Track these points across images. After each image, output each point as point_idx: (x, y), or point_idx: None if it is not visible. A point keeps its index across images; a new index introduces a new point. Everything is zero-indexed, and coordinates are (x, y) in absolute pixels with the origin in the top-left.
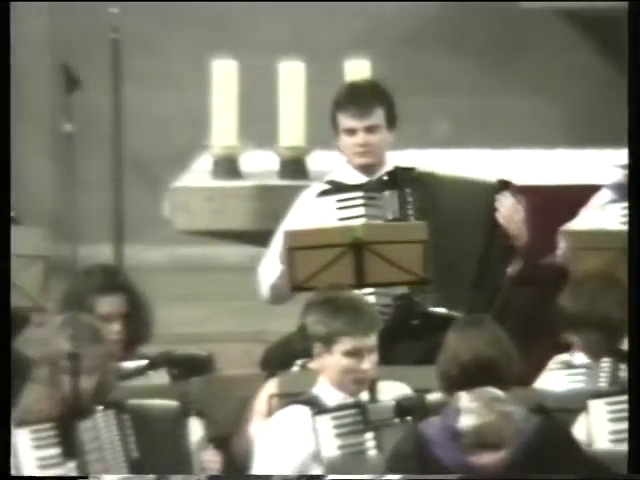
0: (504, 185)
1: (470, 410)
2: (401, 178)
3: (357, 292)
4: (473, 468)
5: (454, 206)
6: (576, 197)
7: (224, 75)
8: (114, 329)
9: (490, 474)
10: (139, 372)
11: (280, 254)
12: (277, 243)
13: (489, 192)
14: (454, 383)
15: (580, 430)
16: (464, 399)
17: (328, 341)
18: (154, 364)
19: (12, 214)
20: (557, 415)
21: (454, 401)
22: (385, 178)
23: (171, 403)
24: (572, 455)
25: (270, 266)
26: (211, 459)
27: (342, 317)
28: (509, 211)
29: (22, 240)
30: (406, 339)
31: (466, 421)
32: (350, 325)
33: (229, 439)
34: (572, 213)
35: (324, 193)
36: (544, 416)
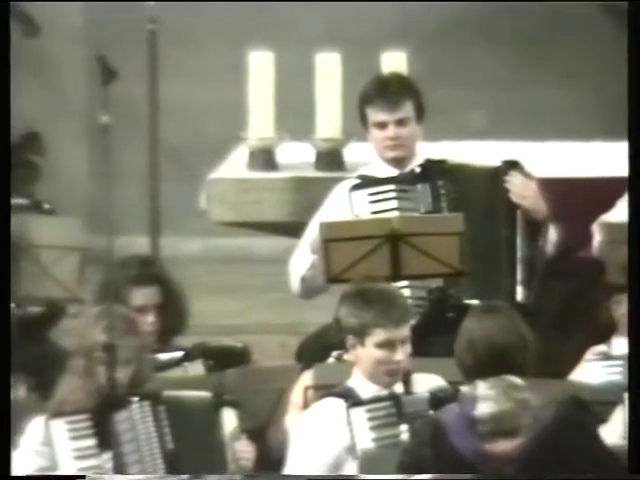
0: (510, 165)
1: (487, 398)
2: (433, 171)
3: (390, 284)
4: (489, 456)
5: (483, 196)
6: (612, 189)
7: (261, 67)
8: (149, 320)
9: (506, 462)
10: (175, 363)
11: (311, 245)
12: (308, 235)
13: (498, 175)
14: (470, 371)
15: (617, 423)
16: (481, 387)
17: (360, 333)
18: (190, 355)
19: (48, 206)
20: (594, 407)
21: (471, 389)
22: (417, 171)
23: (205, 394)
24: (589, 445)
25: (300, 259)
26: (244, 449)
27: (374, 309)
28: (519, 188)
29: (58, 231)
30: (441, 332)
31: (483, 409)
32: (382, 317)
33: (264, 431)
34: (608, 205)
35: (356, 187)
36: (563, 404)
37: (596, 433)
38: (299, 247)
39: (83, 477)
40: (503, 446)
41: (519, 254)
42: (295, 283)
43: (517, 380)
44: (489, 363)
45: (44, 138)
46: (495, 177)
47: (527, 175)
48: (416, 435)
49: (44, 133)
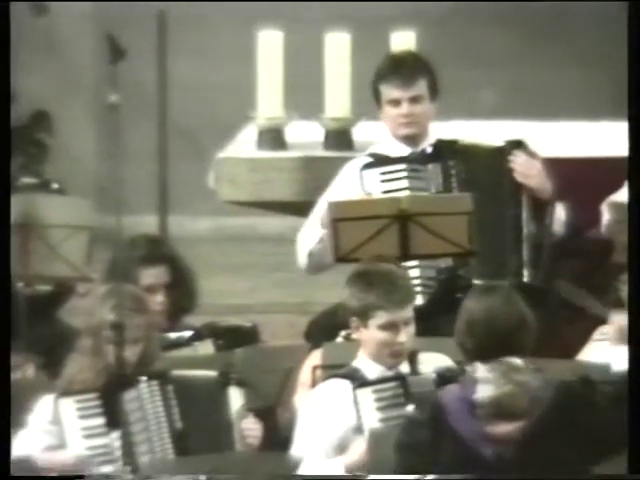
0: (515, 145)
1: (487, 380)
2: (444, 151)
3: (393, 265)
4: (489, 438)
5: (491, 176)
6: (621, 169)
7: (270, 46)
8: (158, 300)
9: (506, 444)
10: (184, 343)
11: (321, 220)
12: (318, 211)
13: (503, 155)
14: (470, 352)
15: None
16: (480, 370)
17: (363, 315)
18: (199, 335)
19: (56, 185)
20: (602, 387)
21: (471, 371)
22: (428, 151)
23: (212, 373)
24: (589, 427)
25: (309, 233)
26: (251, 427)
27: (376, 291)
28: (523, 167)
29: (67, 210)
30: (450, 312)
31: (482, 392)
32: (384, 299)
33: (273, 410)
34: (617, 185)
35: (367, 166)
36: (563, 385)
37: (598, 413)
38: (307, 222)
39: (83, 477)
40: (503, 429)
41: (525, 234)
42: (302, 258)
43: (517, 362)
44: (489, 344)
45: (53, 117)
46: (500, 157)
47: (532, 154)
48: (415, 416)
49: (53, 112)
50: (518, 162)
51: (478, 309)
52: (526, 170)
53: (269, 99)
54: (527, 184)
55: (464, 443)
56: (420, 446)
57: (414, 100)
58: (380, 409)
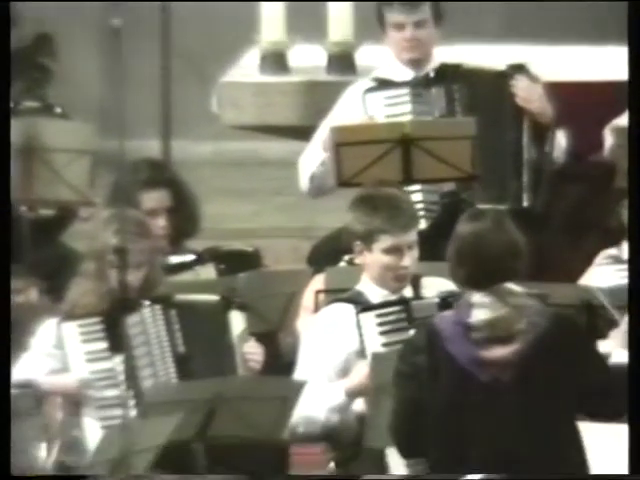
0: (516, 69)
1: (482, 304)
2: (448, 74)
3: (397, 189)
4: (485, 362)
5: (493, 100)
6: (625, 93)
7: None
8: (160, 224)
9: (502, 368)
10: (187, 267)
11: (323, 143)
12: (320, 134)
13: (504, 79)
14: (463, 279)
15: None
16: (476, 294)
17: (367, 239)
18: (201, 259)
19: (59, 109)
20: (604, 311)
21: (466, 295)
22: (432, 75)
23: (214, 297)
24: (584, 350)
25: (311, 157)
26: (253, 351)
27: (380, 215)
28: (525, 92)
29: (70, 135)
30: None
31: (478, 315)
32: (388, 223)
33: (275, 334)
34: (621, 110)
35: (370, 90)
36: (560, 310)
37: (592, 340)
38: (309, 146)
39: (82, 477)
40: (499, 352)
41: (525, 158)
42: (304, 181)
43: (512, 286)
44: (479, 270)
45: (56, 41)
46: (502, 81)
47: (533, 78)
48: (411, 343)
49: (55, 36)
50: (519, 86)
51: (467, 235)
52: (527, 94)
53: (272, 23)
54: (528, 108)
55: (460, 368)
56: (417, 372)
57: (418, 24)
58: (383, 333)
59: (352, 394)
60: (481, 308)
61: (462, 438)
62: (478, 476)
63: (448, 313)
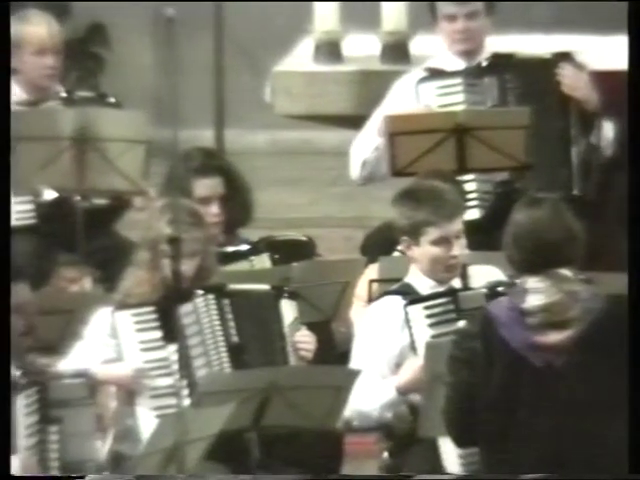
0: (562, 57)
1: (537, 290)
2: (500, 64)
3: (437, 181)
4: (539, 348)
5: (543, 89)
6: None
7: None
8: (212, 212)
9: (556, 354)
10: (241, 257)
11: (378, 129)
12: (373, 122)
13: (551, 67)
14: (519, 265)
15: None
16: (531, 279)
17: (414, 233)
18: (256, 249)
19: (113, 98)
20: None
21: (521, 282)
22: (484, 64)
23: (266, 287)
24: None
25: (363, 143)
26: (304, 340)
27: (424, 207)
28: (571, 80)
29: (123, 124)
30: (506, 225)
31: (532, 301)
32: (433, 214)
33: (328, 324)
34: None
35: (423, 80)
36: (614, 296)
37: None
38: (362, 133)
39: (82, 477)
40: (553, 338)
41: (574, 146)
42: (356, 167)
43: (567, 272)
44: (536, 256)
45: (109, 30)
46: (548, 69)
47: (578, 66)
48: (466, 329)
49: (109, 25)
50: (565, 74)
51: (525, 221)
52: (573, 82)
53: (326, 12)
54: (574, 96)
55: (515, 353)
56: (472, 359)
57: (470, 16)
58: (432, 325)
59: (404, 391)
60: (536, 294)
61: (515, 423)
62: (533, 476)
63: (503, 299)
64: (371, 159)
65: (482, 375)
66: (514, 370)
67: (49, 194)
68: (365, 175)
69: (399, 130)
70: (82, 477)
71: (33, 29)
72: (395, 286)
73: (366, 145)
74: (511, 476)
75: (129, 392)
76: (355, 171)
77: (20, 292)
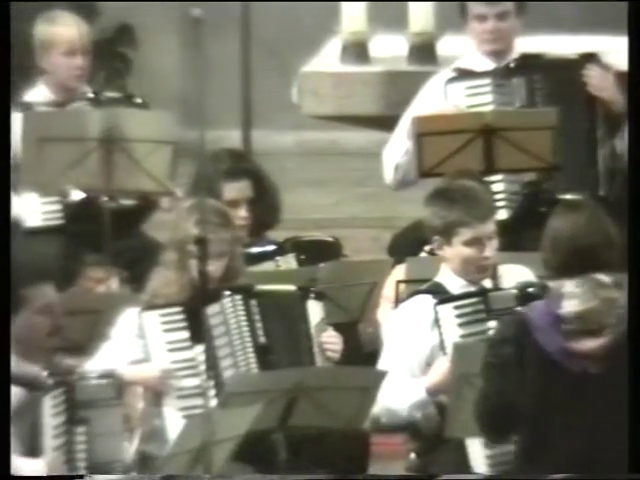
0: (588, 57)
1: (573, 295)
2: (529, 65)
3: (470, 181)
4: (574, 354)
5: (570, 90)
6: None
7: None
8: (241, 214)
9: (591, 361)
10: (268, 257)
11: (408, 132)
12: (403, 125)
13: (577, 68)
14: (556, 269)
15: None
16: (568, 285)
17: (447, 233)
18: (282, 249)
19: (140, 99)
20: None
21: (557, 286)
22: (513, 65)
23: (293, 287)
24: None
25: (395, 147)
26: (331, 341)
27: (458, 207)
28: (597, 80)
29: (150, 125)
30: (534, 226)
31: (569, 307)
32: (467, 215)
33: (355, 324)
34: None
35: (452, 80)
36: None
37: None
38: (393, 136)
39: (82, 477)
40: (588, 344)
41: (600, 148)
42: (389, 172)
43: (604, 278)
44: (574, 261)
45: (136, 31)
46: (575, 69)
47: (605, 67)
48: (500, 332)
49: (136, 26)
50: (591, 75)
51: (563, 226)
52: (599, 82)
53: (353, 13)
54: (601, 97)
55: (550, 359)
56: (507, 364)
57: (500, 16)
58: (461, 325)
59: (434, 392)
60: (572, 299)
61: (548, 427)
62: (562, 476)
63: (538, 303)
64: (403, 163)
65: (516, 379)
66: (548, 375)
67: (77, 195)
68: (398, 179)
69: (427, 131)
70: (82, 477)
71: (63, 30)
72: (426, 285)
73: (397, 149)
74: (539, 476)
75: (156, 393)
76: (388, 175)
77: (46, 293)
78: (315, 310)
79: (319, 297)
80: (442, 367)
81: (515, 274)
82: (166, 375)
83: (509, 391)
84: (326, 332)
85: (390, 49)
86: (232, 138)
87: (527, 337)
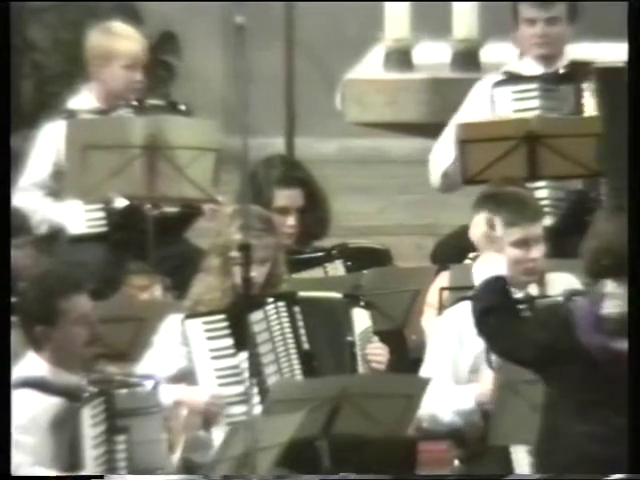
0: None
1: (615, 296)
2: (578, 72)
3: (518, 187)
4: (615, 354)
5: (621, 98)
6: None
7: None
8: (289, 223)
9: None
10: (314, 264)
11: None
12: (451, 131)
13: (625, 76)
14: (598, 270)
15: None
16: (610, 285)
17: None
18: (329, 256)
19: (183, 106)
20: None
21: (600, 287)
22: (562, 71)
23: (338, 295)
24: None
25: (443, 153)
26: (377, 352)
27: (507, 209)
28: None
29: (194, 132)
30: (580, 233)
31: (610, 307)
32: (516, 215)
33: (400, 332)
34: None
35: (499, 84)
36: None
37: None
38: (439, 142)
39: (83, 476)
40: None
41: None
42: (436, 178)
43: None
44: (617, 265)
45: (180, 39)
46: (624, 77)
47: None
48: (543, 328)
49: (180, 34)
50: None
51: (607, 230)
52: None
53: (396, 20)
54: None
55: (591, 357)
56: (547, 359)
57: (550, 21)
58: None
59: (480, 401)
60: (614, 299)
61: (589, 426)
62: (620, 475)
63: (581, 301)
64: (452, 170)
65: (557, 376)
66: (589, 375)
67: (120, 202)
68: (446, 185)
69: (471, 137)
70: (88, 477)
71: (125, 43)
72: (471, 292)
73: (446, 155)
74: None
75: (205, 417)
76: (436, 181)
77: (82, 303)
78: (361, 318)
79: (367, 306)
80: (490, 377)
81: (562, 282)
82: (216, 401)
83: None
84: (372, 343)
85: (434, 56)
86: (275, 145)
87: (568, 334)
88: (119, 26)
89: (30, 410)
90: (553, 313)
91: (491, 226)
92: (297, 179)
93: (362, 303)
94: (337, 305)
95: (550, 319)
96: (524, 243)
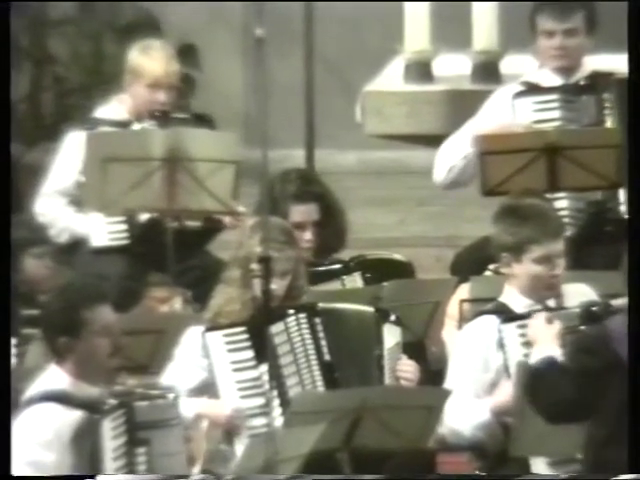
0: None
1: None
2: (599, 83)
3: (539, 199)
4: None
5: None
6: None
7: None
8: (306, 237)
9: None
10: (333, 275)
11: (471, 140)
12: (465, 130)
13: None
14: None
15: None
16: None
17: (517, 250)
18: (348, 268)
19: (204, 119)
20: None
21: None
22: (583, 82)
23: (367, 308)
24: None
25: (453, 148)
26: (407, 370)
27: (529, 225)
28: None
29: (214, 144)
30: (599, 244)
31: None
32: (539, 232)
33: (422, 344)
34: None
35: (520, 94)
36: None
37: None
38: (452, 137)
39: (85, 476)
40: None
41: None
42: (441, 171)
43: None
44: None
45: (200, 51)
46: None
47: None
48: (580, 343)
49: (199, 46)
50: None
51: None
52: None
53: (416, 32)
54: None
55: (628, 369)
56: (587, 373)
57: (568, 33)
58: (525, 344)
59: (499, 413)
60: None
61: (626, 437)
62: (631, 476)
63: (620, 315)
64: (459, 165)
65: (597, 391)
66: (627, 387)
67: (143, 215)
68: (450, 180)
69: (491, 149)
70: (90, 477)
71: (151, 63)
72: (490, 305)
73: (456, 151)
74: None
75: (227, 431)
76: (440, 174)
77: (104, 314)
78: (392, 333)
79: (397, 322)
80: (507, 389)
81: (578, 293)
82: (238, 415)
83: (586, 399)
84: (402, 360)
85: (453, 68)
86: (295, 157)
87: (606, 349)
88: (154, 45)
89: (53, 424)
90: (591, 332)
91: (508, 264)
92: (312, 194)
93: (392, 318)
94: (365, 318)
95: (589, 339)
96: (546, 260)
